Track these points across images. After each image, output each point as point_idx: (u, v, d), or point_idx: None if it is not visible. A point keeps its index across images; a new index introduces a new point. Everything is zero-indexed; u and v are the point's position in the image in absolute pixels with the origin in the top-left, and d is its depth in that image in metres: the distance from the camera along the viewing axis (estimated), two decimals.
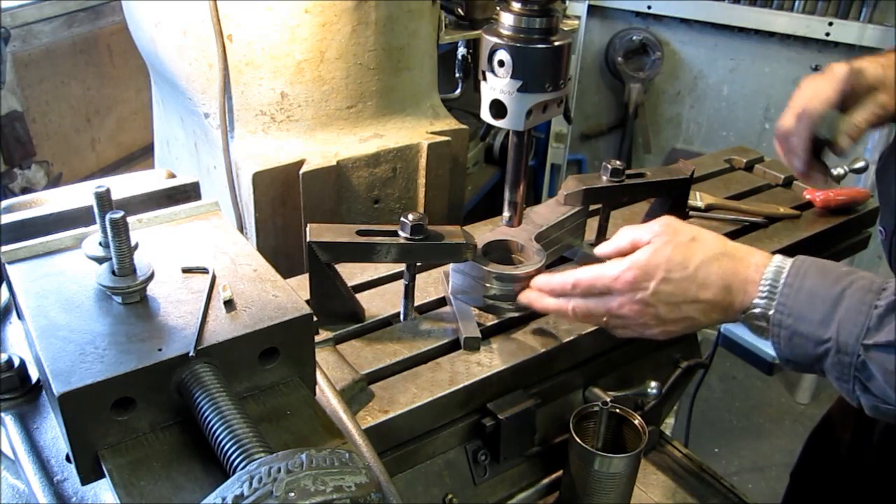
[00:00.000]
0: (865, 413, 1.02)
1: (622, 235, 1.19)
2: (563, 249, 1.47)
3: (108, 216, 0.86)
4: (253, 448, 0.74)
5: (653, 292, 1.11)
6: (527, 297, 1.26)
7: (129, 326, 0.86)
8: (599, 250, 1.23)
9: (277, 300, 0.92)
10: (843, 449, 1.65)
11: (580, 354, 1.34)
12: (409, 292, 1.28)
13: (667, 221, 1.17)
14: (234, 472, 0.73)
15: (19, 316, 0.94)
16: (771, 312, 1.03)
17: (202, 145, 1.86)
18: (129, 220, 0.90)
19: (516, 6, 1.13)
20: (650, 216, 1.54)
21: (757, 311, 1.05)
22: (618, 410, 1.31)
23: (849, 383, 0.98)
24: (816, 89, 1.29)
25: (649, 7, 3.47)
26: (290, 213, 1.68)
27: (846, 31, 3.14)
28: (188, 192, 1.23)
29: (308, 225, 1.23)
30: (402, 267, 1.28)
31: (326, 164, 1.64)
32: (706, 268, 1.09)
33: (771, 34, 3.32)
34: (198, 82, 1.69)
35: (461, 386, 1.17)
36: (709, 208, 1.70)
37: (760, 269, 1.07)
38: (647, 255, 1.13)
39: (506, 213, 1.32)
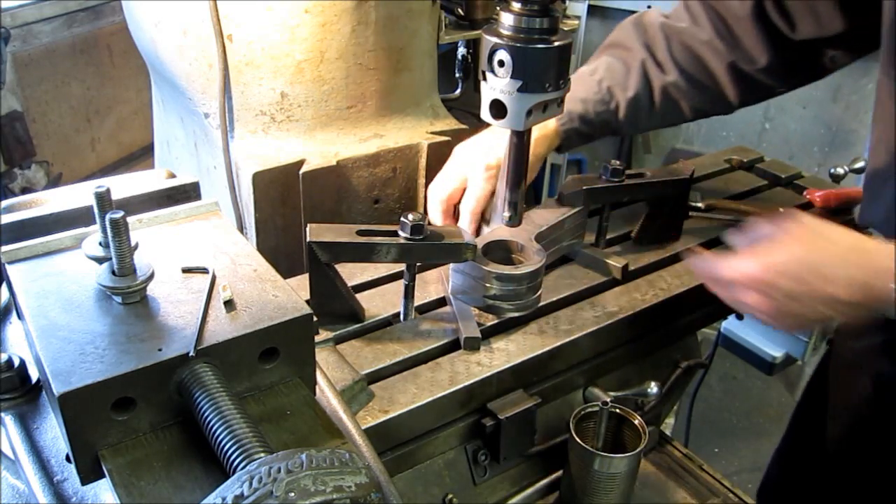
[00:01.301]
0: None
1: (755, 229, 1.19)
2: (563, 249, 1.47)
3: (108, 216, 0.86)
4: (253, 448, 0.74)
5: (780, 290, 1.11)
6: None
7: (129, 326, 0.85)
8: (732, 239, 1.22)
9: (277, 300, 0.92)
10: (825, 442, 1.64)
11: (580, 354, 1.34)
12: (409, 292, 1.28)
13: (797, 217, 1.16)
14: (234, 472, 0.73)
15: (19, 316, 0.94)
16: None
17: (202, 145, 1.86)
18: (129, 220, 0.90)
19: (516, 6, 1.13)
20: (649, 217, 1.54)
21: None
22: (618, 410, 1.31)
23: None
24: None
25: (649, 7, 3.46)
26: (290, 213, 1.68)
27: None
28: (188, 192, 1.23)
29: (308, 225, 1.22)
30: (402, 267, 1.28)
31: (326, 164, 1.64)
32: (836, 267, 1.08)
33: None
34: (198, 82, 1.69)
35: (461, 386, 1.17)
36: (709, 208, 1.70)
37: (892, 255, 1.05)
38: (775, 252, 1.13)
39: (506, 213, 1.32)
